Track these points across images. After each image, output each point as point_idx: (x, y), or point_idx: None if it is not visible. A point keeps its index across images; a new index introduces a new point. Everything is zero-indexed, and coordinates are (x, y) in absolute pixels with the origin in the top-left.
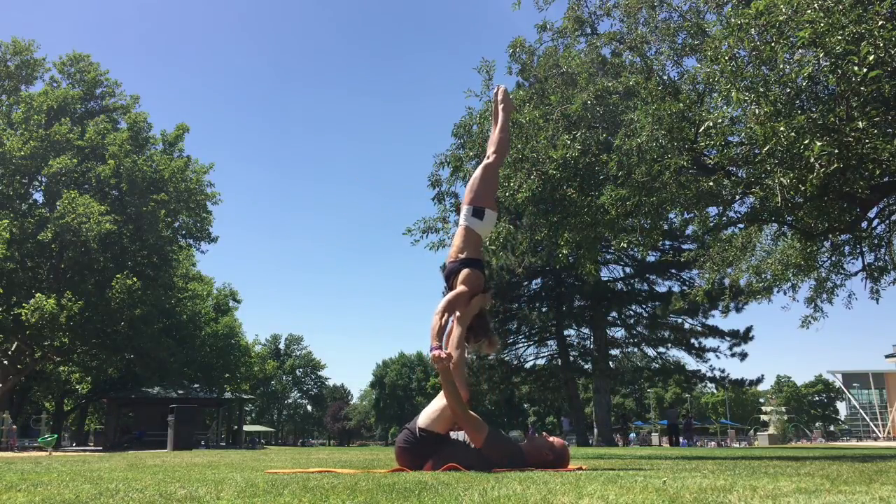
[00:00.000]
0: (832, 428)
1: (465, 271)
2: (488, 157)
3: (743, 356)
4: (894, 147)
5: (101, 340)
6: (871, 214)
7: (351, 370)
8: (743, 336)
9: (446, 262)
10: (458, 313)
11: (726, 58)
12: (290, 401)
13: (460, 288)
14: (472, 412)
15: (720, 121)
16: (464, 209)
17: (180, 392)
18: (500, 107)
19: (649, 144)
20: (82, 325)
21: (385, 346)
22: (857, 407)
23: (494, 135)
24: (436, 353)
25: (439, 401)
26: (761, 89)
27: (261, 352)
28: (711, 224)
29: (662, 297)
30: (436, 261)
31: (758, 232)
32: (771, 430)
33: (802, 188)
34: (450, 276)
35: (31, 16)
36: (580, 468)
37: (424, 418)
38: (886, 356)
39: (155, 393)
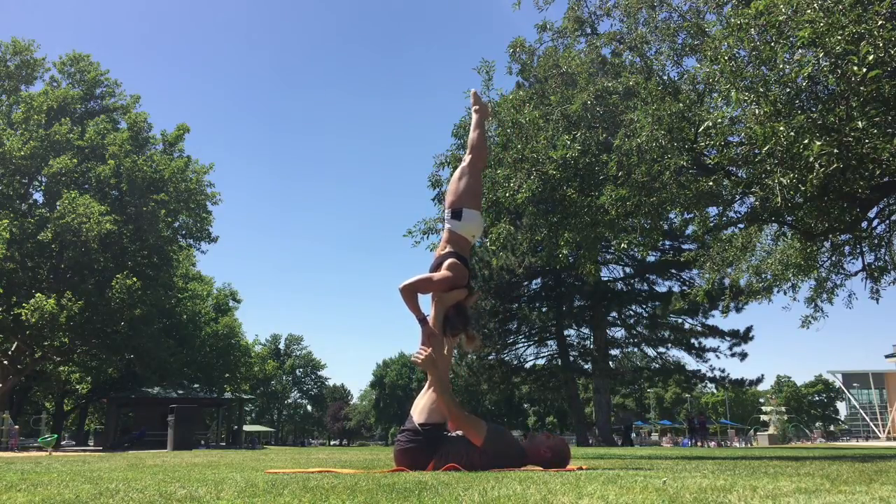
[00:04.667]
0: (832, 428)
1: (448, 260)
2: (464, 159)
3: (743, 356)
4: (894, 147)
5: (101, 340)
6: (871, 214)
7: (351, 370)
8: (743, 336)
9: None
10: (434, 298)
11: (726, 58)
12: (290, 401)
13: (442, 272)
14: (465, 411)
15: (720, 121)
16: (445, 213)
17: (180, 392)
18: (473, 108)
19: (649, 144)
20: (82, 325)
21: (385, 346)
22: (857, 407)
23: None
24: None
25: (429, 394)
26: (761, 89)
27: (261, 352)
28: (711, 224)
29: (662, 297)
30: None
31: (758, 232)
32: (771, 430)
33: (802, 188)
34: (435, 270)
35: (31, 16)
36: (580, 468)
37: (422, 414)
38: (886, 356)
39: (155, 393)
